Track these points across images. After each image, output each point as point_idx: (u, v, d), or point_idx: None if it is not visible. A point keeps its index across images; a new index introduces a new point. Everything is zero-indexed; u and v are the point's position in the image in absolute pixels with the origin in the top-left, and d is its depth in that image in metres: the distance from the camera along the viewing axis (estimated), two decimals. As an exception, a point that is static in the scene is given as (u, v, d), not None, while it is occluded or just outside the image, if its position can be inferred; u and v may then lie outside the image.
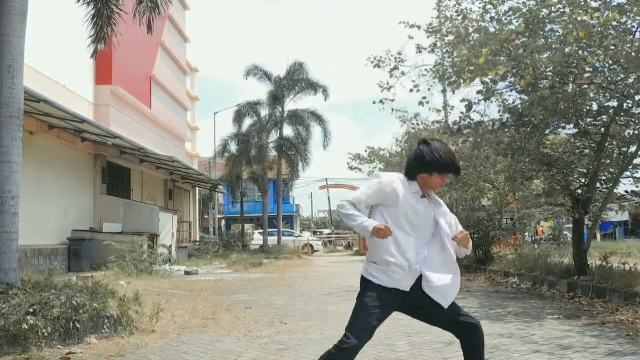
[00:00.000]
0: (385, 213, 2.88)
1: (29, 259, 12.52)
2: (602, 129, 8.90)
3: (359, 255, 28.80)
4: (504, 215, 15.76)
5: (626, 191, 9.60)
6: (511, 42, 7.70)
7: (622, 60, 6.82)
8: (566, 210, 11.33)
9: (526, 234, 21.84)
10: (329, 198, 53.86)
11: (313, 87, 29.71)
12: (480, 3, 9.02)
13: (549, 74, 7.59)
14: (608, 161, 9.20)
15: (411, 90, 9.95)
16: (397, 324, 6.27)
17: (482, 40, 7.84)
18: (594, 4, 7.31)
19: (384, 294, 2.83)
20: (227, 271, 16.77)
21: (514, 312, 7.17)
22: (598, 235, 29.87)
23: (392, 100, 10.61)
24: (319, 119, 29.88)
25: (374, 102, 10.64)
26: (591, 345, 4.99)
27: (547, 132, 9.45)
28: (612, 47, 6.74)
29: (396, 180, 2.89)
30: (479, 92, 8.26)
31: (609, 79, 7.58)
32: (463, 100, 8.89)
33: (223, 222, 43.74)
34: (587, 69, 7.61)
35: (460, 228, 2.99)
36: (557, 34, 8.01)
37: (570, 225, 11.91)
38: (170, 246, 18.29)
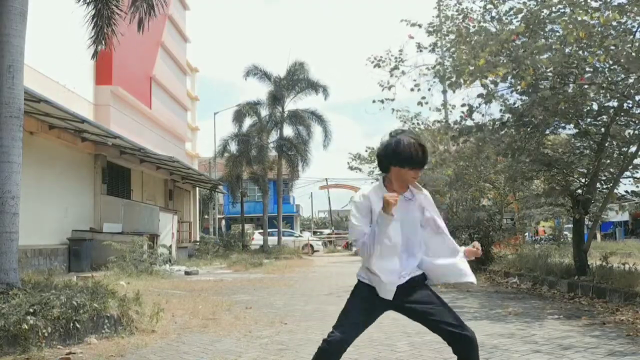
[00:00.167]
0: (375, 224, 2.86)
1: (29, 259, 12.51)
2: (602, 129, 8.90)
3: (359, 255, 28.78)
4: (504, 215, 15.74)
5: (626, 191, 9.59)
6: (511, 43, 7.70)
7: (622, 60, 6.82)
8: (566, 210, 11.32)
9: (526, 234, 21.83)
10: (329, 198, 53.91)
11: (313, 86, 29.71)
12: (480, 2, 9.03)
13: (549, 74, 7.59)
14: (608, 161, 9.20)
15: (412, 90, 9.96)
16: (397, 324, 6.27)
17: (482, 41, 7.83)
18: (594, 4, 7.31)
19: (373, 293, 2.89)
20: (227, 271, 16.77)
21: (514, 312, 7.17)
22: (598, 235, 29.86)
23: (392, 100, 10.62)
24: (319, 118, 29.89)
25: (374, 101, 10.65)
26: (591, 345, 4.98)
27: (547, 132, 9.45)
28: (612, 47, 6.74)
29: (366, 191, 2.89)
30: (479, 96, 8.26)
31: (609, 79, 7.58)
32: (464, 105, 8.91)
33: (223, 222, 43.74)
34: (587, 69, 7.61)
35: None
36: (557, 33, 8.01)
37: (570, 225, 11.90)
38: (170, 246, 18.30)
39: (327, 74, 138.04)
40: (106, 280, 8.71)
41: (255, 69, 29.65)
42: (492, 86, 8.03)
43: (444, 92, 11.06)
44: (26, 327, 4.64)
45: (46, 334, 4.80)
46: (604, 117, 8.69)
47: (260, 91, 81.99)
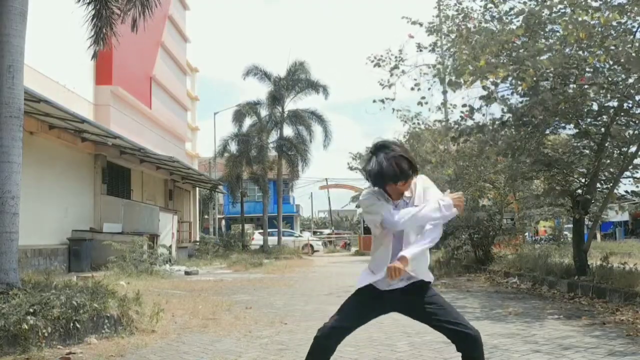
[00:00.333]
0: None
1: (29, 259, 12.51)
2: (602, 129, 8.89)
3: (359, 255, 28.81)
4: (504, 215, 15.73)
5: (626, 191, 9.59)
6: (511, 43, 7.70)
7: (622, 60, 6.81)
8: (566, 210, 11.32)
9: (526, 234, 21.82)
10: (329, 198, 53.92)
11: (313, 86, 29.71)
12: (481, 1, 9.04)
13: (550, 74, 7.58)
14: (608, 161, 9.20)
15: (412, 89, 9.97)
16: (397, 324, 6.27)
17: (483, 41, 7.83)
18: (595, 4, 7.31)
19: (375, 292, 2.92)
20: (227, 271, 16.78)
21: (515, 312, 7.17)
22: (598, 235, 29.85)
23: (393, 99, 10.62)
24: (319, 118, 29.90)
25: (374, 101, 10.65)
26: (591, 345, 4.98)
27: (547, 132, 9.45)
28: (613, 48, 6.73)
29: (369, 193, 2.94)
30: (480, 98, 8.28)
31: (609, 79, 7.58)
32: (465, 105, 8.91)
33: (223, 222, 43.74)
34: (588, 69, 7.61)
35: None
36: (558, 34, 8.00)
37: (570, 225, 11.89)
38: (170, 246, 18.30)
39: (327, 74, 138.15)
40: (106, 280, 8.70)
41: (255, 69, 29.66)
42: (492, 87, 8.03)
43: (444, 92, 11.07)
44: (26, 327, 4.64)
45: (46, 334, 4.80)
46: (604, 117, 8.69)
47: (260, 91, 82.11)
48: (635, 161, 8.99)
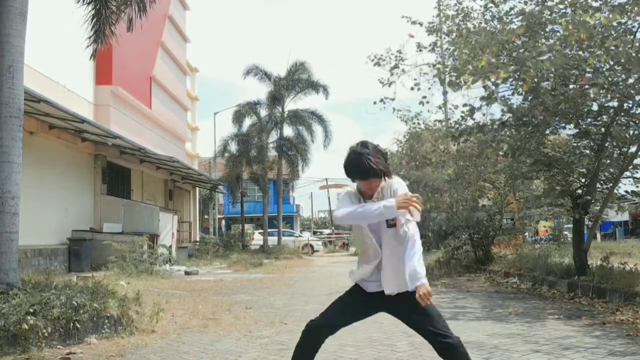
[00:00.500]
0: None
1: (29, 259, 12.51)
2: (602, 129, 8.89)
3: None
4: (504, 215, 15.73)
5: (626, 191, 9.58)
6: (511, 43, 7.70)
7: (622, 60, 6.81)
8: (566, 210, 11.32)
9: (526, 234, 21.81)
10: (328, 198, 53.87)
11: (313, 86, 29.70)
12: (481, 1, 9.04)
13: (551, 75, 7.58)
14: (608, 161, 9.20)
15: (412, 89, 9.99)
16: (397, 323, 6.26)
17: (483, 42, 7.83)
18: (595, 4, 7.31)
19: (362, 294, 3.03)
20: (227, 271, 16.78)
21: (515, 312, 7.17)
22: (598, 235, 29.84)
23: (393, 99, 10.63)
24: (319, 118, 29.89)
25: (375, 102, 10.66)
26: (591, 345, 4.98)
27: (547, 132, 9.45)
28: (613, 48, 6.73)
29: (346, 193, 3.03)
30: (481, 99, 8.28)
31: (610, 79, 7.58)
32: (465, 105, 8.92)
33: (223, 222, 43.74)
34: (588, 69, 7.60)
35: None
36: (558, 34, 8.00)
37: (570, 225, 11.89)
38: (170, 246, 18.30)
39: (327, 74, 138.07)
40: (106, 280, 8.71)
41: (256, 69, 29.66)
42: (493, 87, 8.03)
43: (445, 93, 11.06)
44: (26, 327, 4.64)
45: (46, 334, 4.80)
46: (604, 117, 8.69)
47: (260, 91, 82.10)
48: (635, 161, 8.99)
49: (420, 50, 10.37)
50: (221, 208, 44.00)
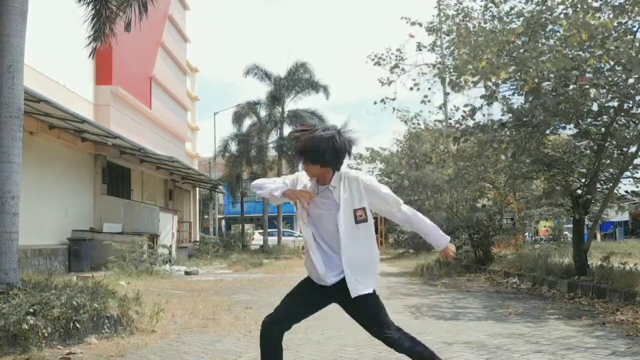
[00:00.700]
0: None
1: (29, 259, 12.51)
2: (603, 129, 8.89)
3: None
4: (504, 215, 15.73)
5: (626, 191, 9.58)
6: (511, 44, 7.70)
7: (623, 61, 6.81)
8: (566, 210, 11.32)
9: (526, 234, 21.82)
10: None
11: (313, 86, 29.71)
12: (481, 1, 9.04)
13: (551, 75, 7.58)
14: (608, 161, 9.20)
15: (411, 89, 9.99)
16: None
17: (483, 42, 7.83)
18: (595, 4, 7.30)
19: (312, 286, 3.08)
20: (227, 271, 16.77)
21: (515, 312, 7.17)
22: (598, 235, 29.83)
23: (393, 99, 10.64)
24: (319, 118, 29.87)
25: (375, 102, 10.67)
26: (591, 345, 4.98)
27: (547, 132, 9.45)
28: (613, 48, 6.73)
29: (303, 174, 3.05)
30: (482, 97, 8.28)
31: (610, 79, 7.57)
32: (466, 105, 8.92)
33: (223, 222, 43.75)
34: (588, 70, 7.60)
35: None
36: (558, 34, 8.00)
37: (570, 225, 11.89)
38: (170, 246, 18.30)
39: (327, 74, 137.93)
40: (106, 280, 8.71)
41: (256, 68, 29.66)
42: (493, 87, 8.03)
43: (447, 94, 11.07)
44: (26, 327, 4.64)
45: (46, 334, 4.80)
46: (604, 117, 8.69)
47: (260, 91, 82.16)
48: (635, 161, 8.99)
49: (420, 50, 10.38)
50: (221, 208, 44.00)
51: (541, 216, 18.55)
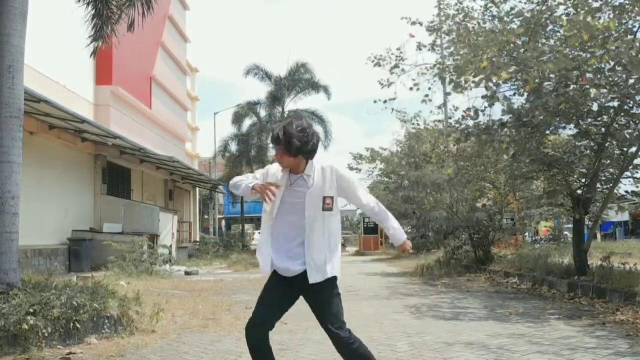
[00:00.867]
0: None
1: (29, 259, 12.51)
2: (603, 129, 8.89)
3: (359, 255, 28.80)
4: (504, 215, 15.72)
5: (626, 191, 9.58)
6: (511, 44, 7.69)
7: (623, 61, 6.81)
8: (566, 210, 11.31)
9: (526, 234, 21.83)
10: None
11: (314, 86, 29.73)
12: (481, 1, 9.04)
13: (552, 75, 7.58)
14: (608, 161, 9.19)
15: (411, 89, 9.98)
16: (397, 324, 6.28)
17: (483, 42, 7.83)
18: (595, 4, 7.30)
19: (278, 278, 3.12)
20: (227, 271, 16.77)
21: (515, 312, 7.16)
22: (598, 235, 29.83)
23: (394, 99, 10.63)
24: (320, 118, 29.92)
25: (375, 101, 10.66)
26: (592, 345, 4.98)
27: (547, 132, 9.45)
28: (614, 48, 6.73)
29: (278, 166, 3.09)
30: (484, 97, 8.28)
31: (610, 79, 7.57)
32: (469, 109, 8.91)
33: (223, 222, 43.75)
34: (589, 70, 7.60)
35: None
36: (558, 34, 7.99)
37: (570, 225, 11.88)
38: (170, 246, 18.30)
39: (327, 74, 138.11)
40: (106, 280, 8.70)
41: (256, 68, 29.68)
42: (494, 87, 8.03)
43: (448, 94, 11.06)
44: (26, 327, 4.64)
45: (46, 334, 4.80)
46: (605, 117, 8.69)
47: (260, 91, 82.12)
48: (635, 161, 8.99)
49: (420, 49, 10.35)
50: (221, 208, 44.00)
51: (541, 216, 18.55)
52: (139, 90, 21.24)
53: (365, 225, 32.68)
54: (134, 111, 20.72)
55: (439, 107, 12.17)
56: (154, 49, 23.64)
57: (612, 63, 7.40)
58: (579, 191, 9.68)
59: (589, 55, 7.33)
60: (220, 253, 23.81)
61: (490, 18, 9.15)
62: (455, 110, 10.49)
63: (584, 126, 8.92)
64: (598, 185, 9.59)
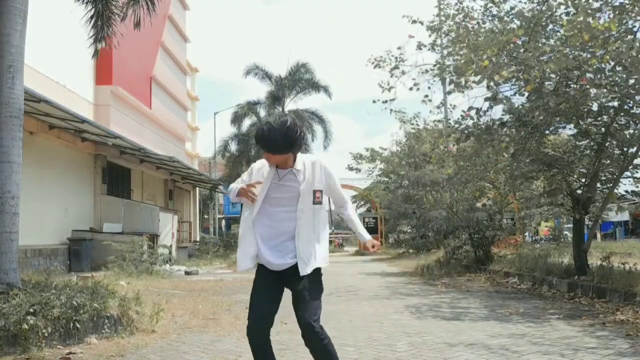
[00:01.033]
0: None
1: (29, 259, 12.51)
2: (603, 129, 8.89)
3: (359, 255, 28.78)
4: (504, 215, 15.73)
5: (626, 191, 9.59)
6: (512, 44, 7.69)
7: (624, 62, 6.80)
8: (566, 210, 11.31)
9: (526, 234, 21.84)
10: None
11: (314, 86, 29.72)
12: (482, 1, 9.03)
13: (553, 75, 7.58)
14: (608, 161, 9.19)
15: (410, 89, 9.97)
16: (397, 324, 6.28)
17: (483, 42, 7.82)
18: (595, 4, 7.30)
19: (266, 272, 3.12)
20: (227, 271, 16.77)
21: (516, 312, 7.16)
22: (598, 235, 29.83)
23: (393, 100, 10.61)
24: (320, 118, 29.91)
25: (374, 101, 10.64)
26: (593, 345, 4.98)
27: (547, 132, 9.44)
28: (614, 49, 6.72)
29: (262, 162, 3.15)
30: (487, 99, 8.27)
31: (610, 79, 7.57)
32: (471, 108, 8.91)
33: (223, 222, 43.72)
34: (589, 70, 7.60)
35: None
36: (559, 34, 7.99)
37: (570, 225, 11.88)
38: (171, 246, 18.30)
39: (327, 74, 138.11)
40: (106, 280, 8.69)
41: (256, 68, 29.67)
42: (495, 88, 8.02)
43: (448, 93, 11.02)
44: (26, 327, 4.64)
45: (46, 334, 4.80)
46: (605, 117, 8.69)
47: (260, 91, 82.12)
48: (635, 161, 8.99)
49: (420, 49, 10.33)
50: (221, 208, 43.98)
51: (541, 216, 18.56)
52: (139, 90, 21.24)
53: (365, 226, 32.65)
54: (134, 111, 20.72)
55: (438, 107, 12.16)
56: (154, 49, 23.65)
57: (612, 63, 7.40)
58: (579, 191, 9.68)
59: (589, 56, 7.33)
60: (220, 253, 23.80)
61: (490, 18, 9.14)
62: (454, 108, 10.48)
63: (584, 126, 8.91)
64: (598, 185, 9.59)
